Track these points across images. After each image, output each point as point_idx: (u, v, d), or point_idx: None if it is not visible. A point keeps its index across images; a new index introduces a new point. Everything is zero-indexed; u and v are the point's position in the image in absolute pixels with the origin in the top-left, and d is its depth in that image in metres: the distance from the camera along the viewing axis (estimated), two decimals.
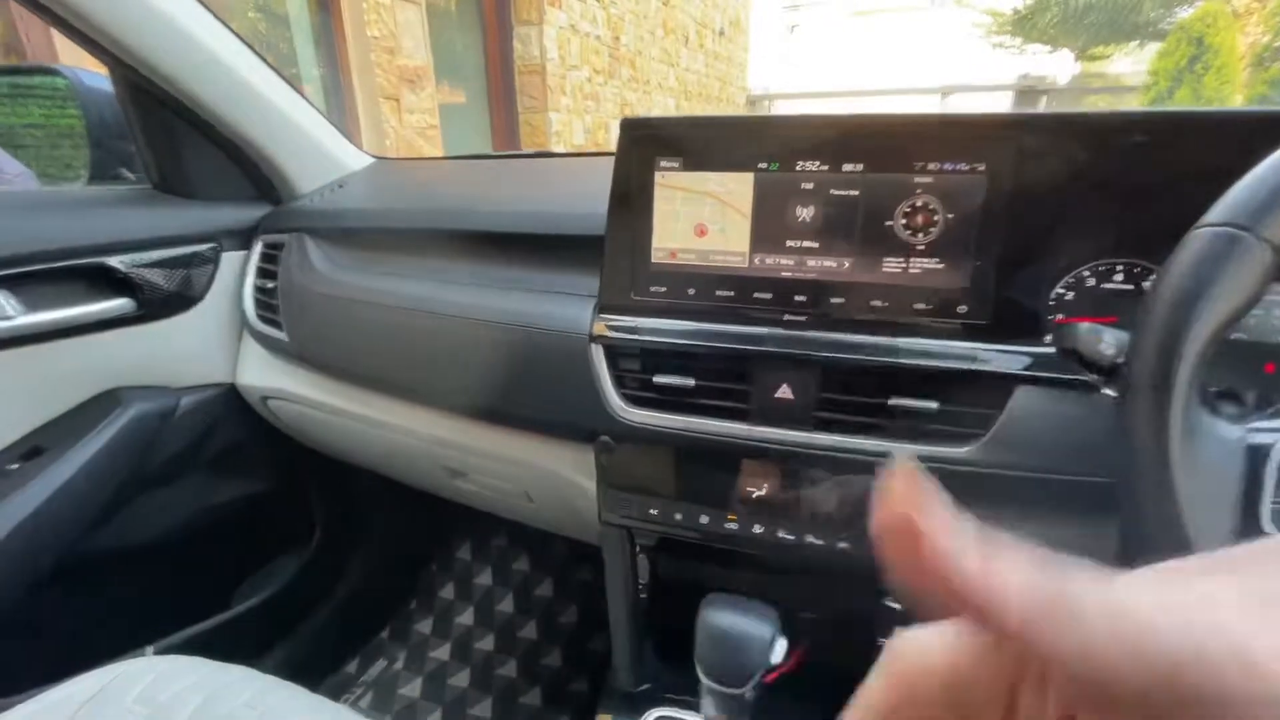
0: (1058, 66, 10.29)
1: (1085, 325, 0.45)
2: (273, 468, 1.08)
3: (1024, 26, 9.72)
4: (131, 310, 0.82)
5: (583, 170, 0.96)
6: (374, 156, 1.10)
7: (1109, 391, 0.42)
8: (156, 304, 0.85)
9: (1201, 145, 0.50)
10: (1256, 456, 0.33)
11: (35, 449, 0.77)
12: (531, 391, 0.68)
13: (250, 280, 0.92)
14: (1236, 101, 6.15)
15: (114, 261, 0.80)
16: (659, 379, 0.60)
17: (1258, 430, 0.34)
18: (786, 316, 0.58)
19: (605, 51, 5.25)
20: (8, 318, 0.71)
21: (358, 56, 2.93)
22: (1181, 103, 6.25)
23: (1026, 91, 9.90)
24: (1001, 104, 10.69)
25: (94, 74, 0.89)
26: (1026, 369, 0.52)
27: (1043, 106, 9.74)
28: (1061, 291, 0.55)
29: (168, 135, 0.87)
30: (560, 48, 4.51)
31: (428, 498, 1.06)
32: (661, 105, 6.70)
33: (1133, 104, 7.87)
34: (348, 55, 2.92)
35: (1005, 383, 0.52)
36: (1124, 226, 0.53)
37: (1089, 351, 0.43)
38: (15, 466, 0.75)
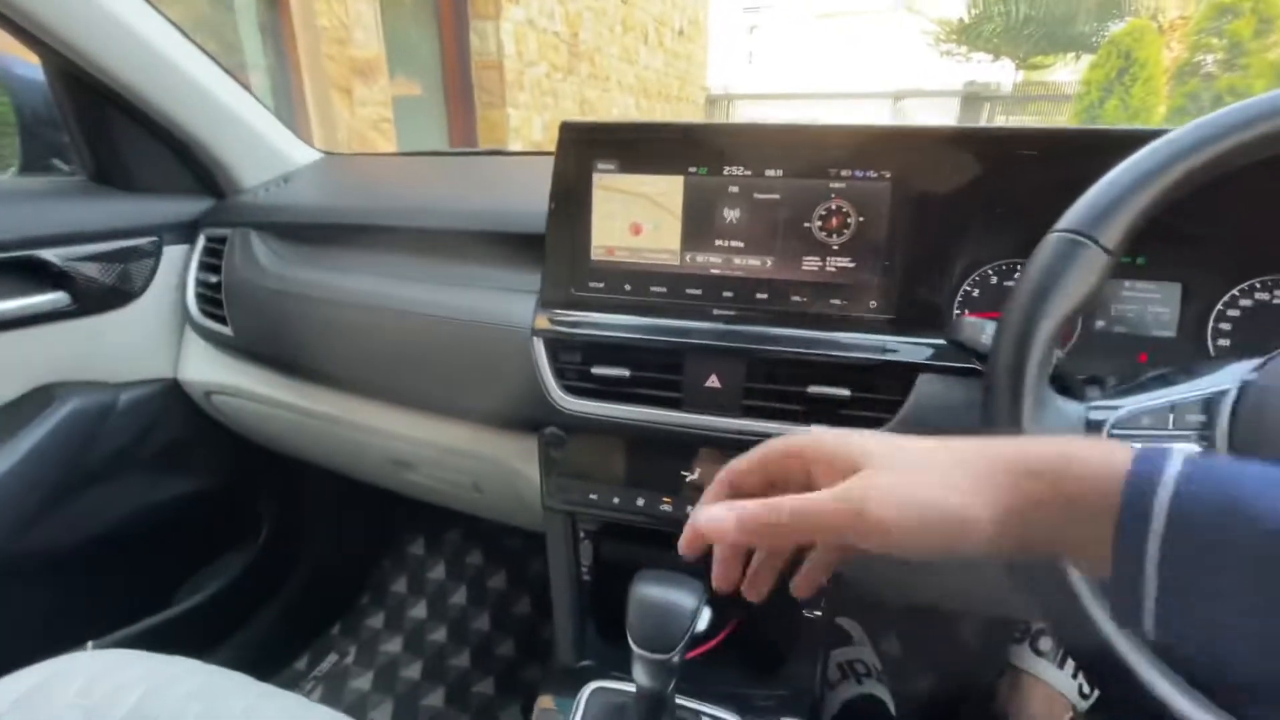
0: (1001, 74, 10.74)
1: (970, 319, 0.50)
2: (217, 464, 1.07)
3: (969, 35, 10.11)
4: (66, 304, 0.81)
5: (530, 169, 0.98)
6: (322, 152, 1.10)
7: None
8: (93, 298, 0.84)
9: (1079, 158, 0.56)
10: (1092, 429, 0.39)
11: None
12: (476, 383, 0.71)
13: (193, 275, 0.92)
14: (1160, 111, 6.54)
15: (48, 254, 0.79)
16: (597, 370, 0.64)
17: (1097, 408, 0.40)
18: (715, 311, 0.62)
19: (564, 48, 5.24)
20: None
21: (307, 47, 2.86)
22: (1111, 111, 6.62)
23: (972, 97, 10.31)
24: (950, 109, 11.10)
25: (25, 62, 0.87)
26: (929, 359, 0.57)
27: (987, 112, 10.16)
28: (968, 289, 0.61)
29: (103, 125, 0.86)
30: (518, 43, 4.49)
31: (379, 493, 1.07)
32: (621, 103, 6.73)
33: (1069, 110, 8.27)
34: (296, 45, 2.86)
35: (910, 371, 0.57)
36: (1020, 229, 0.58)
37: (971, 342, 0.48)
38: None
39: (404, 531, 1.43)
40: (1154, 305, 0.59)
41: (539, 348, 0.66)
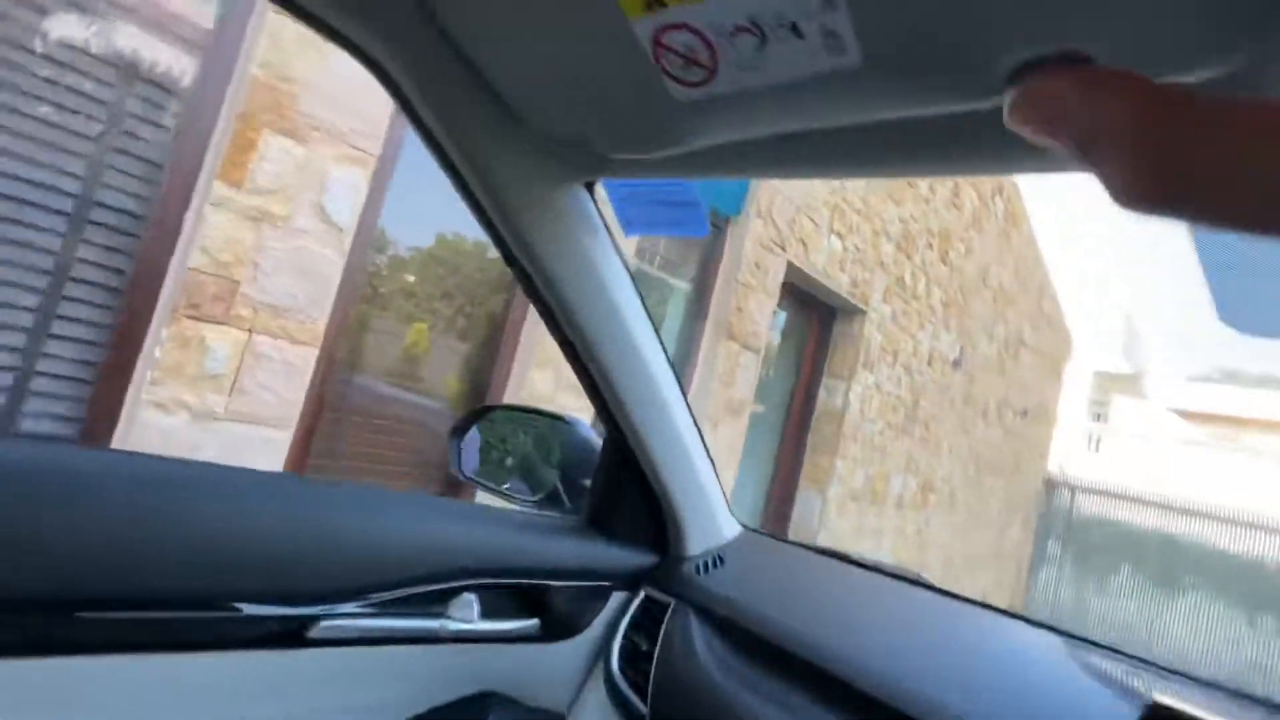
0: None
1: None
2: None
3: None
4: (534, 631, 0.92)
5: (957, 620, 0.87)
6: (742, 526, 1.18)
7: None
8: (553, 628, 0.94)
9: None
10: None
11: None
12: None
13: (622, 629, 0.98)
14: None
15: (543, 584, 0.93)
16: None
17: None
18: None
19: (903, 410, 5.43)
20: (470, 621, 0.84)
21: (700, 385, 3.50)
22: None
23: None
24: None
25: (585, 424, 1.17)
26: None
27: None
28: None
29: (616, 482, 1.05)
30: (862, 403, 4.81)
31: None
32: (947, 468, 6.47)
33: None
34: (693, 383, 3.51)
35: None
36: None
37: None
38: None
39: None
40: None
41: None
